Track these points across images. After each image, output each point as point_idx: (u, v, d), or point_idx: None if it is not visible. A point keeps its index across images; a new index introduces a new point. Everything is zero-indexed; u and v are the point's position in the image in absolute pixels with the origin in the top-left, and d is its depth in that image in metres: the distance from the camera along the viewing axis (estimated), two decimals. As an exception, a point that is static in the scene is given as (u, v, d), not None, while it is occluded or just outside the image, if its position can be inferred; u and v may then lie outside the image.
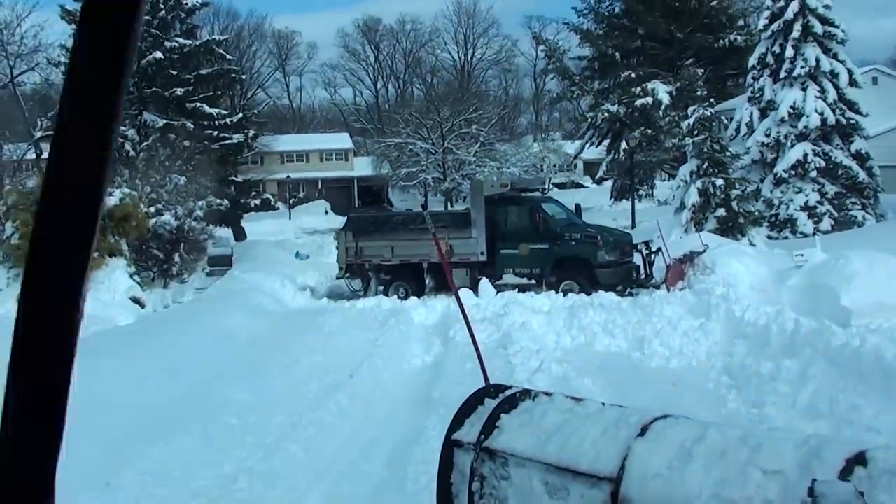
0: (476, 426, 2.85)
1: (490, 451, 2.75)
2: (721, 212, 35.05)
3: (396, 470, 10.76)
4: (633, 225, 44.95)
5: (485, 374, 3.98)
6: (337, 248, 30.78)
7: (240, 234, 55.35)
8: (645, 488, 2.41)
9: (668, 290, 23.72)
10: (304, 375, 16.32)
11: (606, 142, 70.55)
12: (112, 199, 29.85)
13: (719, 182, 35.29)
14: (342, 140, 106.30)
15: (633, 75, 64.51)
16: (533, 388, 3.03)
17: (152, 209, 34.73)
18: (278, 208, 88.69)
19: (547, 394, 2.95)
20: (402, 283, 29.23)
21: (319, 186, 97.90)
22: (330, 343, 19.97)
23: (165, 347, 17.90)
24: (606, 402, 2.75)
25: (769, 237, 37.64)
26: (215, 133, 51.24)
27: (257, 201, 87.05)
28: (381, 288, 29.53)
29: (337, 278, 31.19)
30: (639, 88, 61.78)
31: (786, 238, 38.37)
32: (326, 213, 78.84)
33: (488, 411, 2.87)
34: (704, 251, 25.02)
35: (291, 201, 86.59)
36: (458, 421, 2.93)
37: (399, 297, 28.08)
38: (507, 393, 2.98)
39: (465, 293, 25.35)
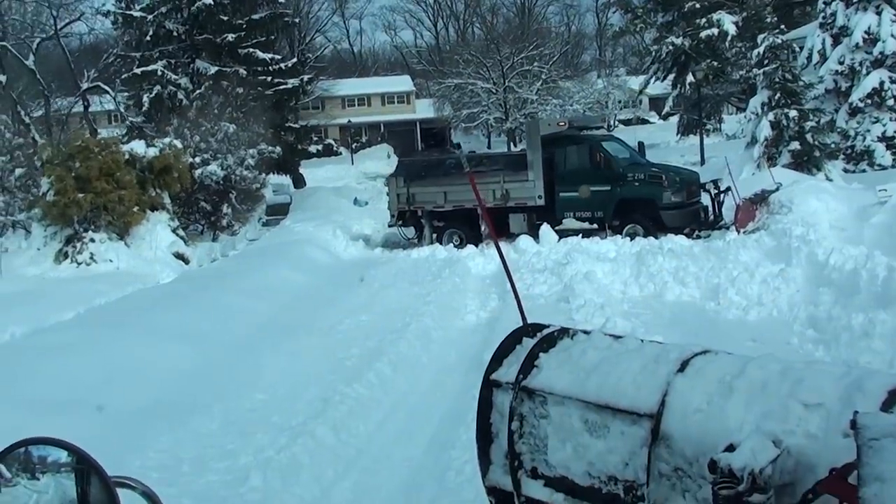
0: (514, 366, 2.96)
1: (529, 390, 2.85)
2: (795, 145, 33.53)
3: (438, 456, 9.40)
4: (702, 161, 43.55)
5: (522, 313, 3.73)
6: (388, 194, 30.06)
7: (299, 182, 54.66)
8: (685, 424, 2.47)
9: (738, 231, 23.03)
10: (345, 338, 15.21)
11: (672, 76, 68.56)
12: (151, 150, 28.84)
13: (792, 114, 33.74)
14: (403, 83, 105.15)
15: (697, 6, 62.09)
16: (571, 327, 3.06)
17: (198, 159, 33.65)
18: (340, 153, 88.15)
19: (585, 332, 3.05)
20: (455, 231, 28.65)
21: (382, 130, 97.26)
22: (378, 299, 19.13)
23: (200, 308, 16.90)
24: None
25: (845, 170, 35.92)
26: (269, 79, 50.10)
27: (318, 147, 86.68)
28: (434, 236, 28.90)
29: (389, 226, 30.63)
30: (703, 19, 59.58)
31: (863, 171, 36.70)
32: (389, 157, 77.69)
33: (526, 350, 2.96)
34: (777, 189, 23.84)
35: (354, 146, 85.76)
36: (496, 361, 3.05)
37: (455, 246, 27.57)
38: (546, 332, 3.06)
39: (524, 240, 25.35)
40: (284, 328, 16.34)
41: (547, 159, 27.52)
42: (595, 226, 27.31)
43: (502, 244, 24.93)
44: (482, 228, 27.96)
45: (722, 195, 26.59)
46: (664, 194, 25.87)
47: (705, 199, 27.15)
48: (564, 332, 3.01)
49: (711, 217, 26.62)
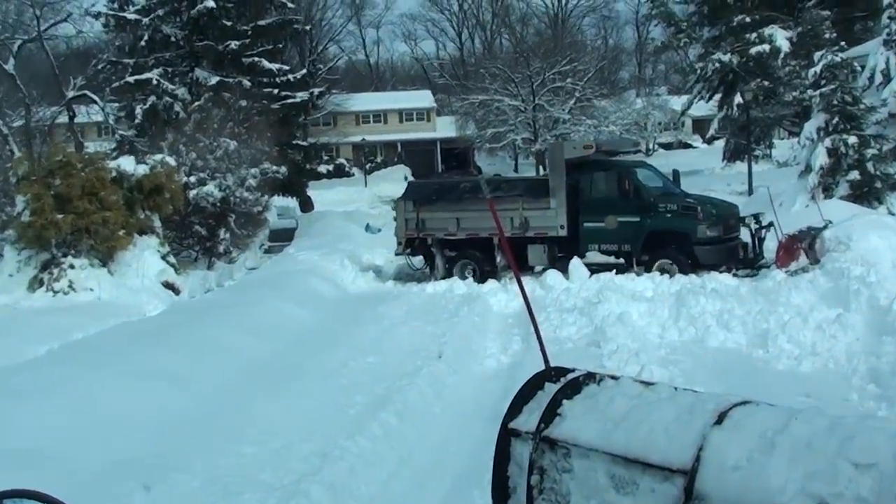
0: (535, 413, 2.93)
1: (551, 440, 2.81)
2: (854, 175, 33.28)
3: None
4: (750, 191, 43.26)
5: (544, 355, 3.66)
6: (395, 219, 30.13)
7: (306, 205, 54.73)
8: (722, 482, 2.44)
9: (780, 269, 22.78)
10: (349, 384, 14.96)
11: (717, 96, 68.43)
12: (142, 167, 28.71)
13: (852, 140, 33.50)
14: (423, 98, 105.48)
15: (747, 19, 61.99)
16: (598, 372, 3.10)
17: (193, 178, 33.56)
18: (353, 174, 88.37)
19: (613, 377, 3.04)
20: (468, 262, 28.60)
21: (399, 150, 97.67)
22: (388, 339, 18.90)
23: (190, 346, 16.65)
24: None
25: (911, 205, 35.60)
26: (276, 91, 50.25)
27: (329, 167, 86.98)
28: (445, 266, 28.94)
29: (396, 254, 30.63)
30: (754, 34, 59.46)
31: (931, 206, 36.20)
32: (406, 179, 77.56)
33: (549, 397, 2.95)
34: (826, 227, 23.48)
35: (367, 167, 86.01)
36: (515, 408, 3.03)
37: (475, 280, 27.37)
38: (570, 376, 3.07)
39: (552, 275, 25.32)
40: (282, 370, 16.11)
41: (571, 186, 27.43)
42: (622, 260, 27.21)
43: (527, 279, 24.96)
44: (498, 260, 27.87)
45: (763, 231, 26.43)
46: (699, 228, 25.71)
47: (745, 235, 26.97)
48: (591, 377, 3.01)
49: (751, 255, 26.43)
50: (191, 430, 12.11)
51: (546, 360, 3.48)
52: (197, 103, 44.16)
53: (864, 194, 32.83)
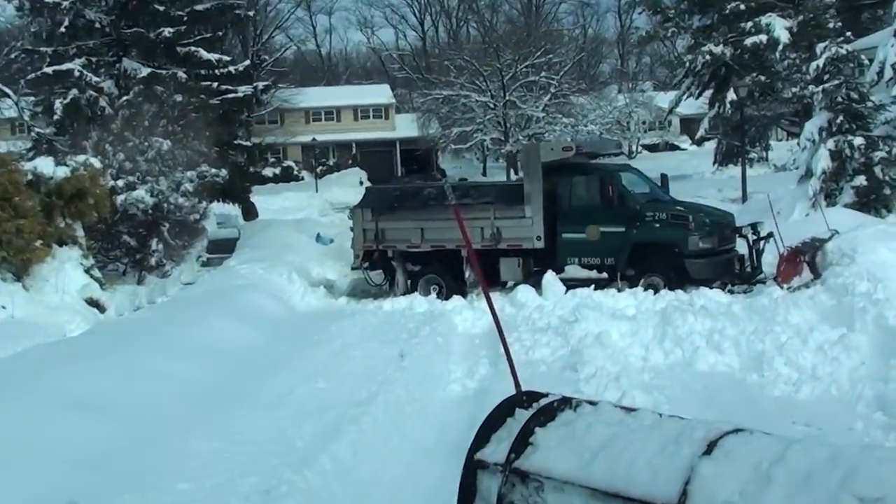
0: (505, 443, 2.98)
1: (522, 472, 2.80)
2: (860, 180, 33.50)
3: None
4: (744, 197, 43.35)
5: (515, 379, 3.76)
6: (352, 229, 30.05)
7: (250, 212, 54.60)
8: None
9: (780, 287, 22.76)
10: (297, 412, 14.93)
11: (708, 92, 69.16)
12: (62, 170, 28.51)
13: (858, 141, 33.73)
14: (381, 93, 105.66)
15: (741, 7, 62.60)
16: (574, 397, 3.18)
17: (121, 182, 33.41)
18: (302, 178, 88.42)
19: (591, 402, 3.20)
20: (434, 277, 28.72)
21: (353, 151, 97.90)
22: (340, 362, 18.89)
23: (117, 371, 16.51)
24: None
25: (923, 213, 35.85)
26: (215, 85, 50.07)
27: (275, 170, 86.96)
28: (408, 282, 29.03)
29: (352, 268, 30.68)
30: (749, 24, 60.04)
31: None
32: (362, 183, 77.63)
33: (520, 424, 3.01)
34: (831, 238, 23.62)
35: (318, 170, 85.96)
36: (482, 437, 3.15)
37: (438, 297, 27.48)
38: (543, 402, 3.19)
39: (524, 291, 25.08)
40: (222, 398, 16.05)
41: (548, 192, 27.50)
42: (604, 275, 27.28)
43: (496, 295, 25.05)
44: (466, 275, 27.95)
45: (762, 242, 26.49)
46: (690, 239, 25.82)
47: (741, 247, 27.12)
48: (566, 402, 3.07)
49: (748, 268, 26.58)
50: (119, 466, 12.04)
51: (517, 385, 3.57)
52: (125, 98, 43.92)
53: (871, 202, 33.14)
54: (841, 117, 34.38)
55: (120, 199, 32.97)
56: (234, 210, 50.71)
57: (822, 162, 34.20)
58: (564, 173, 27.80)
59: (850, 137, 33.92)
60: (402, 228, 28.65)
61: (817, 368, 16.18)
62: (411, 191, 30.40)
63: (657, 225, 26.46)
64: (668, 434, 2.72)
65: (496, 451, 2.94)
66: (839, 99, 34.38)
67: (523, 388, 3.30)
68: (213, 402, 15.63)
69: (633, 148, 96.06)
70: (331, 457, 12.07)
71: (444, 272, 28.37)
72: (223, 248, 40.43)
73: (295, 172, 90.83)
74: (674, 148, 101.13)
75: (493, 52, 77.09)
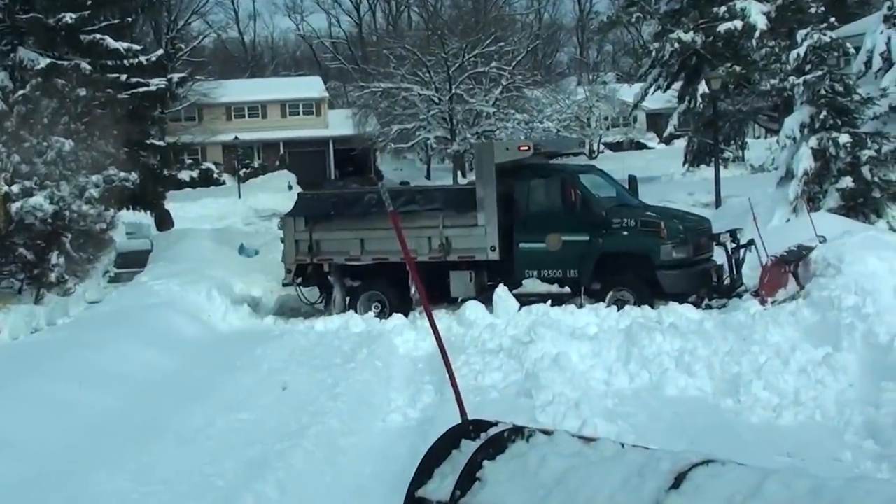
0: (449, 478, 2.96)
1: None
2: (847, 181, 33.64)
3: None
4: (718, 202, 43.60)
5: (461, 406, 3.86)
6: (282, 240, 29.99)
7: (164, 221, 54.28)
8: None
9: (764, 302, 22.91)
10: (217, 447, 14.94)
11: (678, 85, 69.56)
12: (-56, 175, 28.29)
13: (843, 138, 33.84)
14: (312, 86, 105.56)
15: (714, -10, 63.03)
16: (527, 426, 3.20)
17: (15, 188, 33.13)
18: (223, 182, 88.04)
19: (546, 432, 3.22)
20: (376, 294, 28.66)
21: (281, 151, 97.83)
22: (266, 389, 18.89)
23: (10, 401, 16.45)
24: None
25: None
26: (124, 77, 49.71)
27: (193, 173, 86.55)
28: (347, 300, 29.01)
29: (284, 285, 30.60)
30: (723, 8, 60.44)
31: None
32: (290, 188, 77.63)
33: (466, 457, 2.99)
34: (818, 246, 23.84)
35: (242, 172, 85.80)
36: (424, 471, 3.15)
37: (375, 315, 27.40)
38: (493, 432, 3.19)
39: (472, 308, 25.10)
40: (132, 431, 15.99)
41: (503, 197, 27.42)
42: (567, 289, 27.17)
43: (442, 313, 25.04)
44: (413, 291, 27.94)
45: (742, 251, 26.69)
46: (662, 248, 25.74)
47: (719, 256, 27.16)
48: (518, 432, 3.09)
49: (727, 280, 26.60)
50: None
51: (463, 413, 3.61)
52: (21, 92, 43.41)
53: (859, 206, 33.31)
54: (824, 112, 34.42)
55: (15, 206, 32.62)
56: (146, 219, 50.44)
57: (804, 162, 34.29)
58: (521, 176, 27.79)
59: (834, 134, 34.00)
60: (339, 239, 28.65)
61: (800, 392, 16.20)
62: (350, 197, 30.30)
63: (625, 233, 26.44)
64: (632, 466, 2.69)
65: (440, 487, 2.92)
66: (822, 91, 34.44)
67: (471, 417, 3.29)
68: (121, 436, 15.60)
69: (595, 147, 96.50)
70: (255, 497, 12.05)
71: (388, 288, 28.37)
72: (134, 261, 40.23)
73: (215, 176, 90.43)
74: (640, 146, 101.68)
75: (437, 40, 77.36)
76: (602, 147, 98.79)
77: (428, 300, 6.38)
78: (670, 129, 73.43)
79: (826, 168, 34.17)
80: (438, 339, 4.63)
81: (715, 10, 60.82)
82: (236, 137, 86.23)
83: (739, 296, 25.10)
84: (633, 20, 74.05)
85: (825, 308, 19.46)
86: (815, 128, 34.51)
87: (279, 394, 18.29)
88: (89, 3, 48.33)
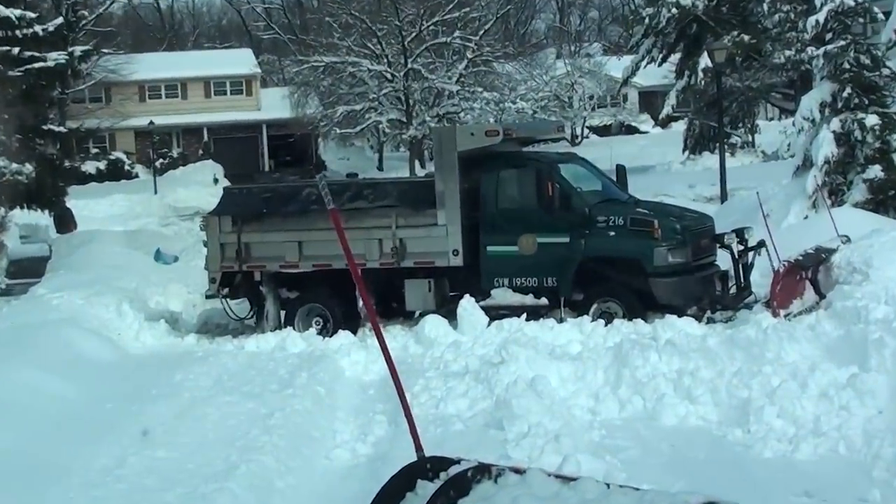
0: None
1: None
2: (875, 171, 33.67)
3: None
4: (723, 196, 43.56)
5: (417, 441, 4.07)
6: (206, 244, 29.70)
7: (65, 221, 54.07)
8: None
9: (776, 315, 22.73)
10: (128, 490, 14.90)
11: (676, 57, 69.67)
12: None
13: (871, 120, 33.89)
14: (242, 61, 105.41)
15: (718, -55, 63.24)
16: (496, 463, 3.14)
17: None
18: (136, 175, 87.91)
19: (517, 470, 3.44)
20: (317, 306, 28.47)
21: (205, 138, 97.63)
22: (187, 422, 18.84)
23: None
24: None
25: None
26: (16, 51, 49.53)
27: (100, 165, 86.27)
28: (282, 314, 28.69)
29: (207, 297, 30.42)
30: (729, -35, 60.59)
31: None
32: (216, 181, 77.66)
33: (423, 501, 3.22)
34: (841, 247, 23.85)
35: (159, 163, 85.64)
36: None
37: (321, 333, 27.23)
38: (454, 471, 3.41)
39: (432, 324, 25.03)
40: (28, 471, 15.92)
41: (468, 191, 27.29)
42: (543, 300, 27.12)
43: (397, 330, 25.08)
44: (361, 303, 27.61)
45: (751, 254, 26.54)
46: (656, 251, 25.56)
47: (724, 261, 27.03)
48: (484, 471, 3.21)
49: (733, 289, 26.51)
50: None
51: (419, 448, 3.86)
52: None
53: (890, 199, 33.34)
54: (849, 89, 34.51)
55: None
56: (43, 219, 50.36)
57: (825, 148, 34.34)
58: (489, 166, 27.64)
59: (860, 115, 34.08)
60: (273, 242, 28.50)
61: (820, 420, 16.13)
62: (286, 192, 30.16)
63: (612, 233, 26.24)
64: (619, 511, 2.08)
65: (393, 535, 2.17)
66: (846, 65, 34.52)
67: (429, 453, 3.30)
68: (15, 478, 15.52)
69: (578, 131, 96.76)
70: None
71: (332, 300, 28.11)
72: (29, 270, 40.17)
73: (126, 167, 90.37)
74: (631, 131, 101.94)
75: (390, 5, 77.09)
76: (586, 132, 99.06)
77: (376, 314, 6.44)
78: (667, 110, 73.54)
79: (851, 155, 34.22)
80: (389, 360, 4.71)
81: (719, -33, 60.94)
82: (151, 122, 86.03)
83: (748, 307, 24.94)
84: (623, -20, 74.13)
85: (850, 321, 19.43)
86: (837, 108, 34.58)
87: (203, 427, 18.23)
88: (-28, -40, 48.25)
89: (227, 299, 29.40)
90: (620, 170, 29.42)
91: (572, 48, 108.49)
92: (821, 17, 35.18)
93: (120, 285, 32.74)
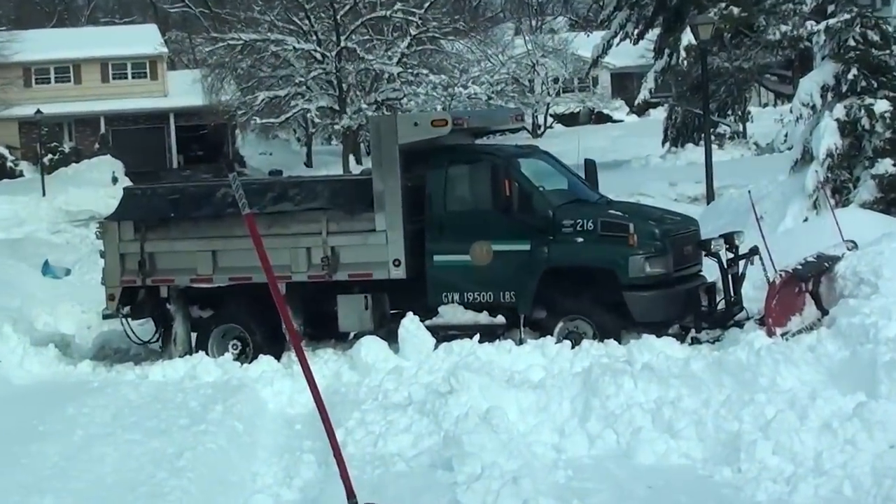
0: None
1: None
2: (886, 165, 33.77)
3: None
4: (709, 196, 43.65)
5: (347, 486, 4.48)
6: (103, 255, 29.45)
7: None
8: None
9: (772, 334, 22.74)
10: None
11: (654, 33, 69.83)
12: None
13: (881, 106, 34.03)
14: (145, 39, 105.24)
15: None
16: None
17: None
18: (21, 174, 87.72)
19: None
20: (235, 328, 28.27)
21: (103, 130, 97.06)
22: (82, 465, 18.56)
23: None
24: None
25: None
26: None
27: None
28: (194, 336, 28.47)
29: (104, 316, 30.09)
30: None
31: None
32: (116, 181, 77.60)
33: None
34: (846, 254, 23.98)
35: (47, 160, 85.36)
36: None
37: (235, 358, 27.05)
38: None
39: (369, 346, 24.91)
40: None
41: (412, 191, 27.16)
42: (500, 319, 26.71)
43: (329, 354, 25.08)
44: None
45: (742, 263, 26.44)
46: (631, 260, 25.41)
47: (711, 271, 26.89)
48: None
49: (721, 304, 26.33)
50: None
51: (350, 495, 3.38)
52: None
53: (902, 198, 33.34)
54: (854, 70, 34.65)
55: None
56: None
57: (828, 138, 34.48)
58: (436, 161, 27.53)
59: (868, 100, 34.22)
60: (183, 252, 28.25)
61: (822, 457, 16.11)
62: (197, 193, 29.82)
63: (580, 239, 26.07)
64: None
65: None
66: (851, 42, 34.67)
67: (365, 500, 3.30)
68: None
69: (541, 120, 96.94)
70: None
71: (252, 319, 27.78)
72: None
73: (9, 164, 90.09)
74: (603, 119, 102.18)
75: (318, -25, 77.18)
76: (550, 121, 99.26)
77: (303, 337, 6.45)
78: (644, 94, 73.82)
79: (857, 147, 34.38)
80: (315, 391, 4.18)
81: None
82: (39, 111, 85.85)
83: (739, 325, 24.91)
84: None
85: (857, 340, 19.53)
86: (841, 92, 34.73)
87: (100, 470, 18.11)
88: None
89: (129, 320, 29.06)
90: (590, 165, 29.17)
91: (533, 23, 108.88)
92: (822, -13, 35.28)
93: (1, 304, 32.54)
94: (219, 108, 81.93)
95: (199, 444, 18.85)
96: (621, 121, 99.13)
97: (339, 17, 73.08)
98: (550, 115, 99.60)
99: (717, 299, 26.41)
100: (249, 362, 26.21)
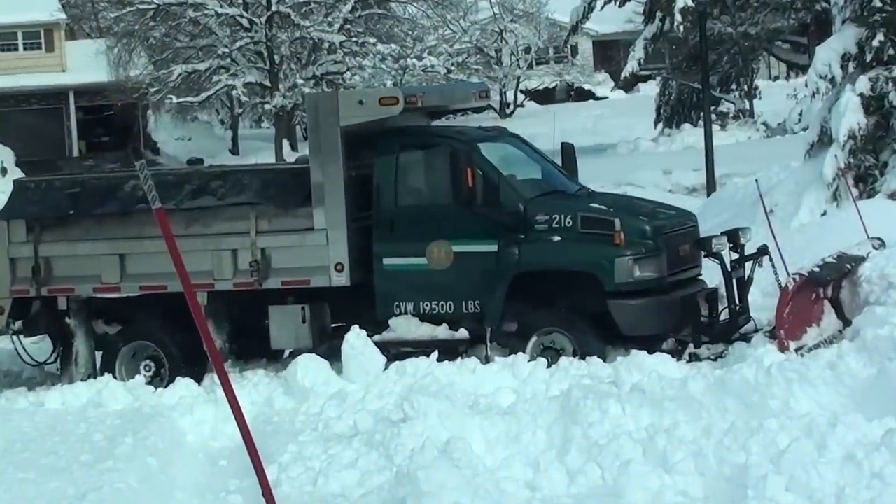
0: None
1: None
2: (916, 149, 33.80)
3: None
4: (710, 186, 43.70)
5: None
6: None
7: None
8: None
9: (784, 346, 22.74)
10: None
11: (642, -6, 69.98)
12: None
13: (910, 81, 34.03)
14: (38, 4, 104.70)
15: None
16: None
17: None
18: None
19: None
20: (148, 345, 28.03)
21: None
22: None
23: None
24: None
25: None
26: None
27: None
28: (98, 356, 28.29)
29: None
30: None
31: None
32: (5, 172, 77.52)
33: None
34: (871, 254, 24.04)
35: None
36: None
37: (148, 381, 26.87)
38: None
39: (308, 365, 24.83)
40: None
41: (357, 183, 27.10)
42: (464, 333, 26.57)
43: (260, 375, 25.07)
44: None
45: (749, 265, 26.45)
46: (617, 263, 25.31)
47: (711, 275, 26.94)
48: None
49: (724, 314, 26.26)
50: None
51: None
52: None
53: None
54: (881, 35, 34.66)
55: None
56: None
57: (850, 117, 34.47)
58: (385, 147, 27.39)
59: (894, 71, 34.27)
60: (84, 256, 28.08)
61: (845, 493, 15.95)
62: (102, 186, 29.65)
63: (557, 238, 25.97)
64: None
65: None
66: (877, 2, 34.66)
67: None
68: None
69: (510, 97, 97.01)
70: None
71: (167, 335, 27.52)
72: None
73: None
74: (583, 95, 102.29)
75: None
76: (521, 98, 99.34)
77: (223, 356, 6.42)
78: (632, 66, 73.74)
79: (884, 127, 34.42)
80: (241, 420, 4.14)
81: None
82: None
83: (746, 338, 24.82)
84: None
85: (884, 355, 19.54)
86: (865, 61, 34.77)
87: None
88: None
89: (20, 337, 28.85)
90: (568, 150, 29.03)
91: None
92: (841, -63, 35.32)
93: None
94: (127, 86, 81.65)
95: (106, 485, 18.63)
96: (605, 97, 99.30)
97: (269, -21, 73.16)
98: (521, 92, 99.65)
99: (720, 308, 26.31)
100: (165, 386, 26.09)
